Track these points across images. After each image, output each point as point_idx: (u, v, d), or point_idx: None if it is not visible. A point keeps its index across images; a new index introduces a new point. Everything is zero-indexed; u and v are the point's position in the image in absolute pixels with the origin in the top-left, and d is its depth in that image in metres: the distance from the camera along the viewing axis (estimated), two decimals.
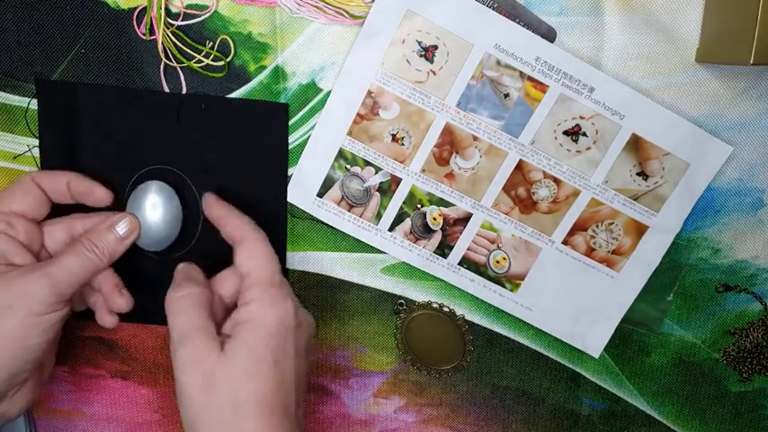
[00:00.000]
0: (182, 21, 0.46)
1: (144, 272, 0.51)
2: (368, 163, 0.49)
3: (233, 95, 0.48)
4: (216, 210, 0.47)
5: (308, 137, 0.49)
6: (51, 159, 0.50)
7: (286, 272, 0.52)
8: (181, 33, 0.47)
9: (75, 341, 0.54)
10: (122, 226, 0.46)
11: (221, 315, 0.44)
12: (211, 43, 0.47)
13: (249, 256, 0.44)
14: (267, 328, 0.41)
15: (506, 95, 0.47)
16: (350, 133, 0.49)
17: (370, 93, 0.47)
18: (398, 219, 0.50)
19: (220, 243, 0.51)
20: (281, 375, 0.41)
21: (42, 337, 0.42)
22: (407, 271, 0.52)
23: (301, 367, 0.43)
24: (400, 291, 0.53)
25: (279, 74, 0.48)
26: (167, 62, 0.47)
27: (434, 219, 0.50)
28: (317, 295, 0.53)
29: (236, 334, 0.41)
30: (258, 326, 0.41)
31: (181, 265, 0.46)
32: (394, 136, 0.48)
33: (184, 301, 0.43)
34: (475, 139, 0.48)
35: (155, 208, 0.49)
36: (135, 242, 0.48)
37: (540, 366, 0.54)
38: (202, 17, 0.46)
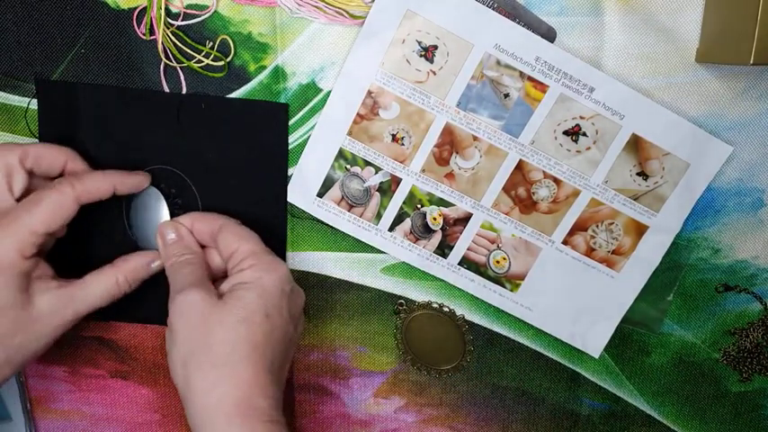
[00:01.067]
0: (182, 21, 0.46)
1: None
2: (368, 163, 0.49)
3: (233, 95, 0.48)
4: (183, 220, 0.48)
5: (308, 137, 0.49)
6: None
7: None
8: (181, 33, 0.47)
9: (75, 341, 0.54)
10: (157, 263, 0.48)
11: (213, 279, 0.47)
12: (211, 43, 0.47)
13: (234, 236, 0.46)
14: (264, 287, 0.43)
15: (506, 95, 0.47)
16: (350, 133, 0.49)
17: (370, 93, 0.47)
18: (398, 219, 0.50)
19: None
20: (270, 328, 0.43)
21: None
22: (407, 271, 0.52)
23: (289, 331, 0.44)
24: (400, 291, 0.53)
25: (279, 74, 0.48)
26: (167, 62, 0.47)
27: (434, 219, 0.50)
28: (317, 295, 0.53)
29: (232, 290, 0.43)
30: (255, 285, 0.43)
31: (167, 224, 0.48)
32: (394, 136, 0.48)
33: (183, 260, 0.46)
34: (475, 139, 0.48)
35: (161, 209, 0.49)
36: (137, 244, 0.50)
37: (540, 366, 0.54)
38: (202, 17, 0.46)
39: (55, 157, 0.46)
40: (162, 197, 0.49)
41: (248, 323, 0.42)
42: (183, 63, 0.47)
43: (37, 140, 0.50)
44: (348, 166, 0.49)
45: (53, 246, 0.46)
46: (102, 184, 0.45)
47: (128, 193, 0.47)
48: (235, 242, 0.45)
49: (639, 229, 0.50)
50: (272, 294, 0.43)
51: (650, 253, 0.50)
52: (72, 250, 0.48)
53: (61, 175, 0.46)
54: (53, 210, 0.43)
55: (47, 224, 0.43)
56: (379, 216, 0.50)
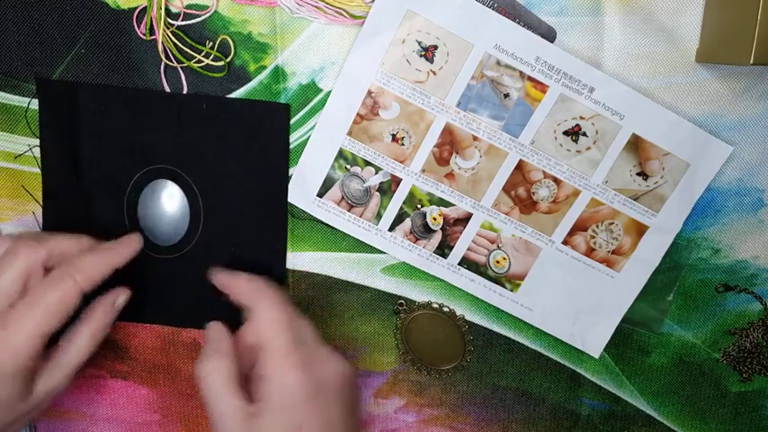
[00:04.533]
0: (182, 21, 0.46)
1: (145, 272, 0.51)
2: (368, 163, 0.49)
3: (233, 95, 0.48)
4: (222, 277, 0.48)
5: (308, 137, 0.49)
6: (52, 159, 0.50)
7: (286, 272, 0.52)
8: (181, 33, 0.47)
9: None
10: (121, 300, 0.48)
11: (248, 366, 0.45)
12: (211, 43, 0.47)
13: (263, 324, 0.44)
14: (288, 399, 0.42)
15: (506, 95, 0.47)
16: (350, 133, 0.49)
17: (370, 93, 0.47)
18: (398, 219, 0.50)
19: (221, 240, 0.51)
20: None
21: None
22: (407, 271, 0.52)
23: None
24: (400, 291, 0.53)
25: (279, 74, 0.48)
26: (167, 62, 0.47)
27: (434, 219, 0.50)
28: (317, 295, 0.53)
29: (261, 400, 0.42)
30: (281, 394, 0.42)
31: (210, 331, 0.46)
32: (394, 136, 0.48)
33: (214, 374, 0.43)
34: (475, 139, 0.48)
35: (168, 204, 0.50)
36: (147, 237, 0.50)
37: (540, 366, 0.54)
38: (202, 17, 0.46)
39: (72, 249, 0.46)
40: (170, 185, 0.50)
41: None
42: (184, 63, 0.47)
43: (37, 140, 0.50)
44: (348, 166, 0.49)
45: None
46: (102, 269, 0.45)
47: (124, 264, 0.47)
48: (262, 333, 0.44)
49: (639, 229, 0.50)
50: (298, 404, 0.42)
51: (650, 253, 0.50)
52: None
53: None
54: (61, 310, 0.43)
55: (55, 324, 0.43)
56: (379, 216, 0.50)
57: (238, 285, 0.46)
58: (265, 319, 0.44)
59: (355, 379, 0.45)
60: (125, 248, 0.47)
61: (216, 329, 0.45)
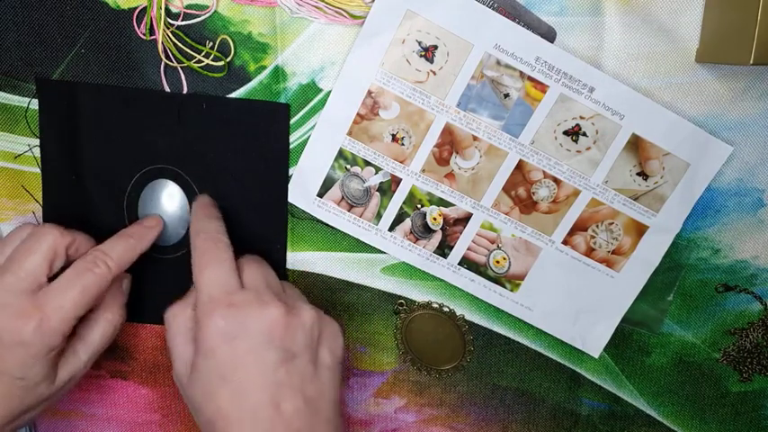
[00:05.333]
0: (182, 21, 0.46)
1: (145, 272, 0.51)
2: (368, 163, 0.49)
3: (233, 95, 0.48)
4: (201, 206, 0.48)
5: (308, 137, 0.49)
6: (52, 159, 0.50)
7: (286, 272, 0.52)
8: (181, 33, 0.47)
9: None
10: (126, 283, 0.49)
11: None
12: (211, 43, 0.47)
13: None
14: (208, 343, 0.42)
15: (506, 95, 0.47)
16: (350, 133, 0.49)
17: (370, 93, 0.47)
18: (398, 219, 0.50)
19: None
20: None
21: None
22: (407, 271, 0.52)
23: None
24: (400, 291, 0.53)
25: (279, 74, 0.48)
26: (167, 62, 0.47)
27: (434, 219, 0.50)
28: (317, 295, 0.53)
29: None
30: (202, 338, 0.42)
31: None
32: (394, 136, 0.48)
33: (172, 319, 0.45)
34: (475, 139, 0.48)
35: (168, 204, 0.50)
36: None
37: (540, 366, 0.54)
38: (202, 17, 0.46)
39: (91, 242, 0.47)
40: (170, 185, 0.50)
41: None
42: (184, 63, 0.47)
43: (37, 140, 0.50)
44: (348, 166, 0.49)
45: None
46: (131, 254, 0.47)
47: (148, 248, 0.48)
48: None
49: (639, 229, 0.50)
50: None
51: (650, 253, 0.50)
52: None
53: None
54: (95, 293, 0.44)
55: (87, 308, 0.44)
56: (379, 216, 0.50)
57: (194, 224, 0.47)
58: (197, 262, 0.44)
59: (307, 322, 0.43)
60: (149, 232, 0.48)
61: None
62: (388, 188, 0.50)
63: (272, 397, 0.41)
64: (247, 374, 0.41)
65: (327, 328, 0.45)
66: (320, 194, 0.50)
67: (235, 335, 0.41)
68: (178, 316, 0.44)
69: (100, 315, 0.46)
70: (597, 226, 0.50)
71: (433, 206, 0.50)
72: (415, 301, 0.53)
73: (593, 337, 0.53)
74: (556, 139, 0.48)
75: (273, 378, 0.41)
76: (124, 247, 0.46)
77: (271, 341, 0.41)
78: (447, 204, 0.50)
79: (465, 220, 0.50)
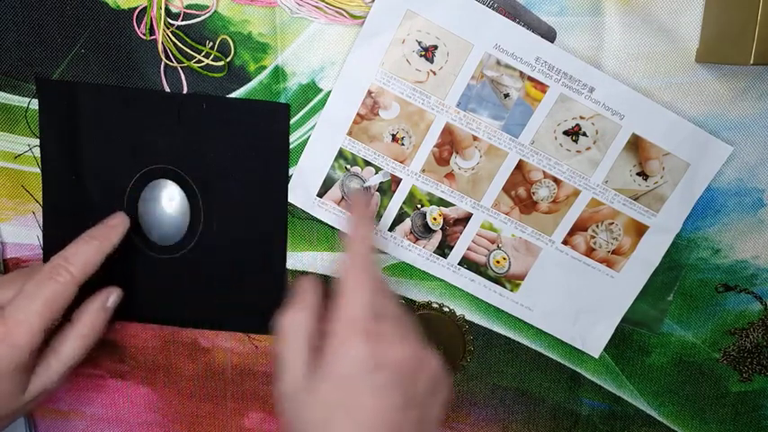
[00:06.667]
0: (182, 21, 0.46)
1: (145, 271, 0.51)
2: (368, 163, 0.49)
3: (233, 95, 0.48)
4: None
5: (308, 137, 0.49)
6: (52, 159, 0.50)
7: (286, 272, 0.52)
8: (181, 33, 0.47)
9: None
10: (112, 299, 0.47)
11: None
12: (211, 43, 0.47)
13: (341, 286, 0.42)
14: (343, 369, 0.39)
15: (506, 95, 0.47)
16: (350, 133, 0.49)
17: (370, 93, 0.47)
18: (398, 219, 0.50)
19: (221, 240, 0.51)
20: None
21: None
22: (407, 271, 0.52)
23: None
24: (400, 291, 0.53)
25: (279, 74, 0.48)
26: (167, 62, 0.47)
27: (434, 219, 0.50)
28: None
29: (321, 365, 0.40)
30: (335, 363, 0.39)
31: (300, 283, 0.44)
32: (394, 136, 0.48)
33: (290, 327, 0.42)
34: (475, 139, 0.48)
35: (168, 204, 0.50)
36: (147, 237, 0.50)
37: (540, 366, 0.54)
38: (202, 17, 0.46)
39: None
40: (170, 185, 0.50)
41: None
42: (183, 63, 0.47)
43: (37, 140, 0.50)
44: (348, 166, 0.49)
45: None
46: (94, 257, 0.45)
47: (115, 247, 0.47)
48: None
49: (639, 229, 0.50)
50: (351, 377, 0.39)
51: (650, 253, 0.50)
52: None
53: None
54: (59, 303, 0.43)
55: (54, 319, 0.43)
56: (379, 216, 0.50)
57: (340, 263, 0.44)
58: (344, 283, 0.41)
59: (434, 372, 0.40)
60: (113, 232, 0.47)
61: (307, 283, 0.43)
62: (388, 188, 0.50)
63: None
64: (373, 414, 0.38)
65: (445, 381, 0.42)
66: (320, 194, 0.50)
67: (372, 367, 0.38)
68: (301, 326, 0.41)
69: (75, 330, 0.46)
70: (597, 226, 0.50)
71: (433, 206, 0.50)
72: (415, 301, 0.53)
73: (594, 337, 0.53)
74: (556, 139, 0.48)
75: (392, 424, 0.38)
76: (87, 251, 0.45)
77: (401, 381, 0.39)
78: (447, 204, 0.50)
79: (465, 220, 0.50)
